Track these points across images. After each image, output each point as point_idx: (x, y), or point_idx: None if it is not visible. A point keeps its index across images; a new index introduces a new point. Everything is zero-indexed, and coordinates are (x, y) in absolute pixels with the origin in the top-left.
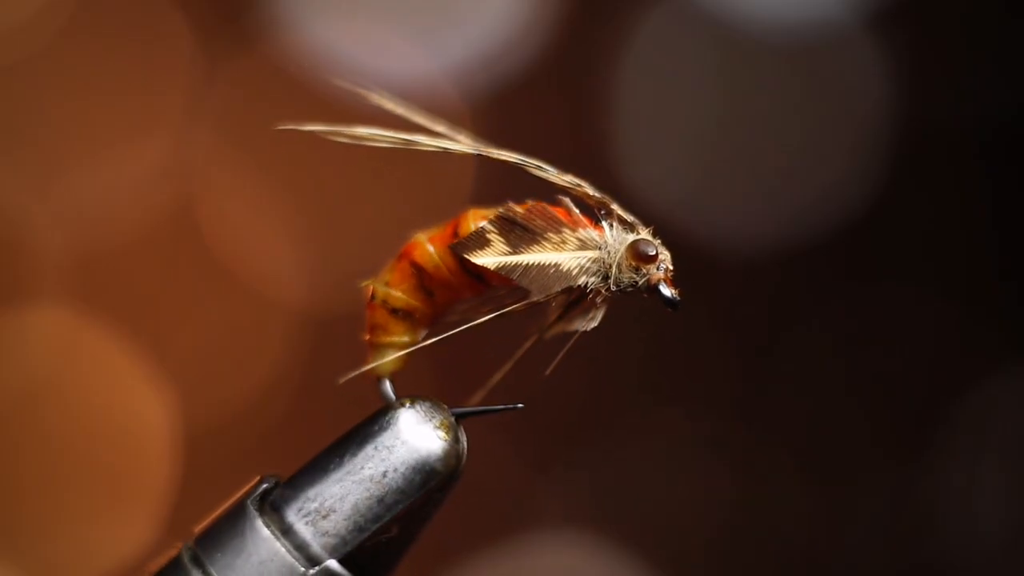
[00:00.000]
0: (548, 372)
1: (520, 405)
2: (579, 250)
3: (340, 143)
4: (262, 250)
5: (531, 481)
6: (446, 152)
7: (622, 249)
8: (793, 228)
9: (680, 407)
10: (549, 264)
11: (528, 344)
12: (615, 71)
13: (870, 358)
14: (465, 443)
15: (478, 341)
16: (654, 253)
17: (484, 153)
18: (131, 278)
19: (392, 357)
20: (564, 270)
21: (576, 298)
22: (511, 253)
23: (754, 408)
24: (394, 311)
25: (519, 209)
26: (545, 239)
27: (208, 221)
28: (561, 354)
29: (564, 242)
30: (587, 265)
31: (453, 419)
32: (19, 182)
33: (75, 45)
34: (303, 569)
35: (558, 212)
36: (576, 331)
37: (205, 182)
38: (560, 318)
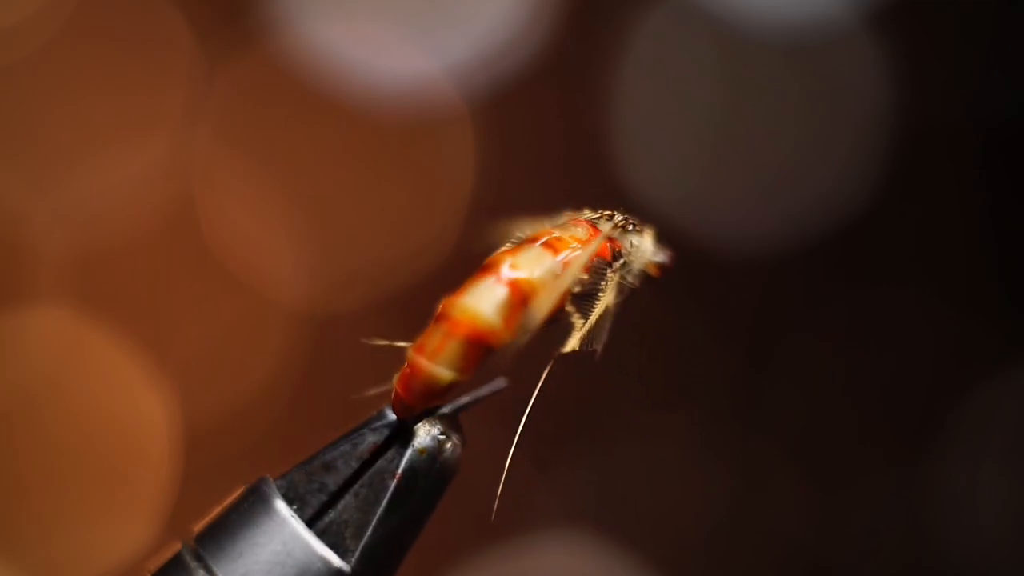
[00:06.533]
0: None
1: (503, 382)
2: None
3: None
4: (262, 250)
5: (531, 481)
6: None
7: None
8: (792, 228)
9: (679, 408)
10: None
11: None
12: (615, 71)
13: (869, 360)
14: (459, 440)
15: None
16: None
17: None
18: (131, 278)
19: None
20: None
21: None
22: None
23: (753, 409)
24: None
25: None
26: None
27: (208, 221)
28: (572, 340)
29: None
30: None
31: (449, 415)
32: (19, 182)
33: (75, 45)
34: (324, 554)
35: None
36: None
37: (205, 182)
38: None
